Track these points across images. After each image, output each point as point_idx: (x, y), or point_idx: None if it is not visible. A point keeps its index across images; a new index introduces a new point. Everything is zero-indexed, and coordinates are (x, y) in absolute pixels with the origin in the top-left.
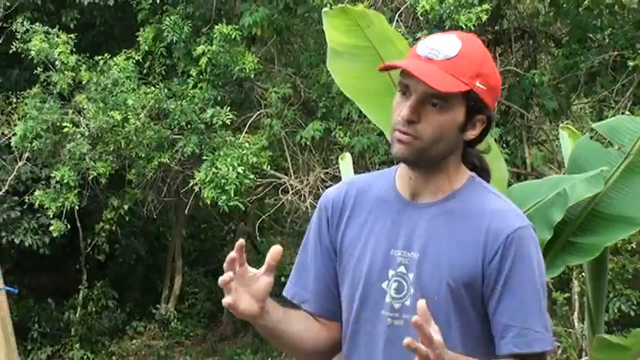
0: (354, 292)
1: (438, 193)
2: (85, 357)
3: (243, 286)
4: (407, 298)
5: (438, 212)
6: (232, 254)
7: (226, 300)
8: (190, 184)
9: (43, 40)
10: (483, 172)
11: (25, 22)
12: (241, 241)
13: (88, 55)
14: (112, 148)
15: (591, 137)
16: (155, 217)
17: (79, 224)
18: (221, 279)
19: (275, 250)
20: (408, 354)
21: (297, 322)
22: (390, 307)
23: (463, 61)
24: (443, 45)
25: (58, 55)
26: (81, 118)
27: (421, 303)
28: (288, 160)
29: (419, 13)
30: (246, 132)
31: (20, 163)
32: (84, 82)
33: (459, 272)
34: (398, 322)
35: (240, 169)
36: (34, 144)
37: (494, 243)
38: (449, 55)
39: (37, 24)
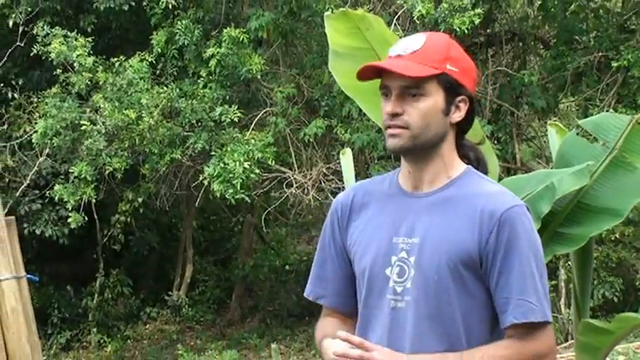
0: (362, 281)
1: (435, 182)
2: (102, 341)
3: None
4: (408, 281)
5: (437, 200)
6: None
7: None
8: (200, 179)
9: (63, 43)
10: (480, 164)
11: (45, 27)
12: None
13: (104, 57)
14: (127, 145)
15: (578, 133)
16: (167, 209)
17: (95, 216)
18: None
19: None
20: (409, 335)
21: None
22: (393, 291)
23: (429, 50)
24: (409, 43)
25: (77, 57)
26: (98, 117)
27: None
28: (293, 155)
29: (415, 17)
30: (252, 129)
31: (41, 159)
32: (100, 83)
33: (456, 252)
34: (400, 304)
35: (246, 164)
36: (54, 141)
37: (489, 223)
38: (415, 48)
39: (57, 28)
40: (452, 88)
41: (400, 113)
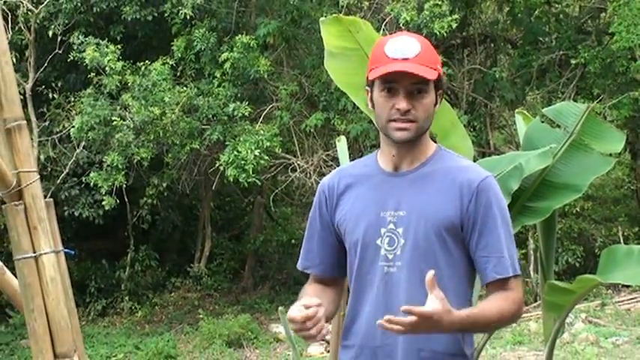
0: (355, 252)
1: (414, 162)
2: (133, 307)
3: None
4: (398, 249)
5: (417, 176)
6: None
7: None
8: (216, 165)
9: (95, 50)
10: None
11: (80, 36)
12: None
13: (131, 61)
14: (152, 137)
15: (542, 120)
16: (188, 192)
17: (126, 199)
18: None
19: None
20: (403, 295)
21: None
22: (384, 258)
23: (427, 53)
24: (408, 46)
25: (108, 62)
26: (127, 113)
27: (430, 274)
28: (296, 144)
29: (401, 23)
30: (261, 122)
31: (78, 150)
32: (129, 84)
33: (440, 219)
34: (392, 269)
35: (256, 152)
36: (89, 135)
37: (468, 192)
38: (416, 51)
39: (90, 37)
40: (439, 85)
41: (411, 109)
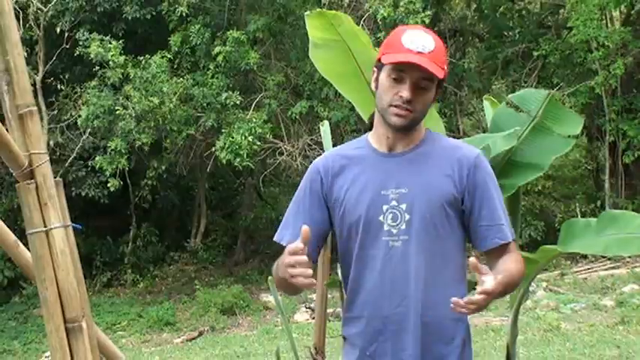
0: (357, 228)
1: (409, 144)
2: (135, 279)
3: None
4: (402, 224)
5: (414, 156)
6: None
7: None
8: (212, 149)
9: (99, 46)
10: None
11: (85, 32)
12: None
13: (132, 55)
14: (152, 124)
15: (507, 105)
16: (185, 174)
17: (128, 181)
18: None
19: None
20: (413, 266)
21: None
22: (388, 233)
23: (440, 52)
24: (425, 41)
25: (111, 56)
26: (129, 103)
27: (472, 260)
28: (283, 130)
29: (379, 18)
30: (251, 110)
31: (84, 137)
32: (130, 76)
33: (442, 194)
34: (396, 243)
35: (250, 138)
36: (94, 123)
37: (466, 167)
38: (431, 48)
39: (95, 33)
40: (440, 84)
41: (412, 100)
